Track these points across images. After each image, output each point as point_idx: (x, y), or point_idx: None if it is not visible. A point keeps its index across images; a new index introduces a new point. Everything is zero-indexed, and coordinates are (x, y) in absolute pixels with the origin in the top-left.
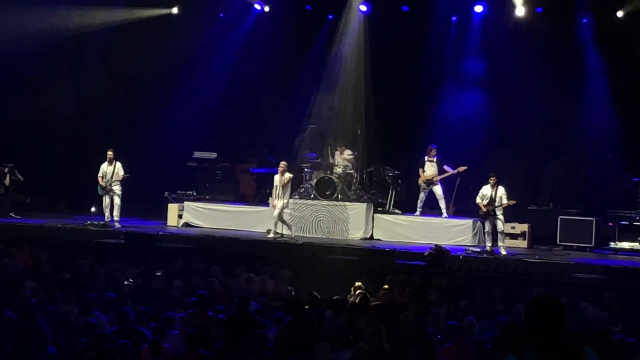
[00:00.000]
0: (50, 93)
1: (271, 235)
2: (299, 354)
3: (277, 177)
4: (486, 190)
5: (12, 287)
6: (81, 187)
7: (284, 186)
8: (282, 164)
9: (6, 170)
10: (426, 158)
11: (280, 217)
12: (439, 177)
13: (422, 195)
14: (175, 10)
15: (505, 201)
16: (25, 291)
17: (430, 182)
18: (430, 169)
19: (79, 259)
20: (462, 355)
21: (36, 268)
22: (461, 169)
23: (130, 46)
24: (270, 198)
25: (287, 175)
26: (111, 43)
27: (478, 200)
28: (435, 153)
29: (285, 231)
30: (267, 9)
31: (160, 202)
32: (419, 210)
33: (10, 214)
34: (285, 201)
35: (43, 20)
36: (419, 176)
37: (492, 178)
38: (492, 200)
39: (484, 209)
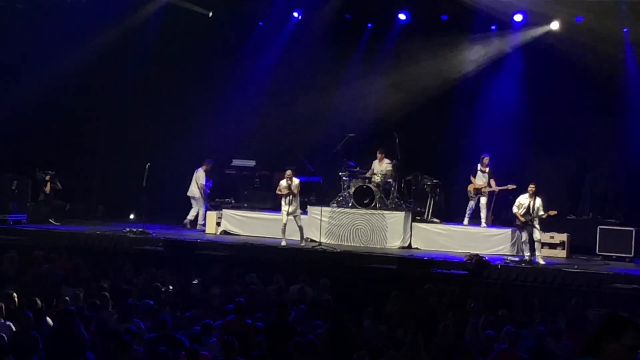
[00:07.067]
0: (90, 101)
1: (303, 243)
2: None
3: (283, 183)
4: (524, 199)
5: (51, 293)
6: (120, 195)
7: (293, 193)
8: (289, 172)
9: (47, 177)
10: (478, 166)
11: (297, 224)
12: (487, 189)
13: (471, 204)
14: (210, 14)
15: (541, 212)
16: (64, 297)
17: (479, 192)
18: (481, 178)
19: (119, 266)
20: None
21: (75, 274)
22: (510, 187)
23: (168, 55)
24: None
25: (296, 181)
26: (150, 51)
27: (515, 209)
28: (488, 162)
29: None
30: (302, 16)
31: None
32: (467, 219)
33: (50, 220)
34: (297, 207)
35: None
36: (469, 184)
37: (532, 187)
38: (529, 209)
39: (521, 219)
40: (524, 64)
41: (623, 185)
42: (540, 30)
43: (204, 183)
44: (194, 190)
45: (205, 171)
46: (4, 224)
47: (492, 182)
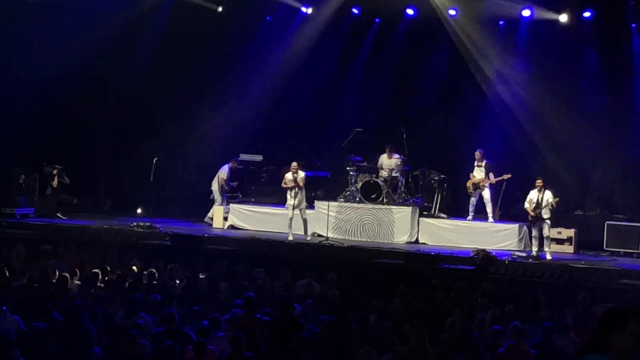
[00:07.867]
0: (97, 95)
1: (309, 237)
2: (343, 357)
3: (289, 176)
4: (533, 194)
5: (58, 287)
6: (127, 189)
7: (298, 185)
8: (294, 164)
9: (55, 172)
10: (475, 162)
11: (302, 218)
12: (486, 182)
13: (472, 200)
14: (220, 8)
15: (551, 200)
16: (71, 292)
17: (477, 187)
18: (478, 173)
19: (126, 261)
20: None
21: (82, 269)
22: (505, 176)
23: (176, 49)
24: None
25: (302, 174)
26: (157, 45)
27: (526, 205)
28: (481, 156)
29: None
30: (310, 10)
31: (206, 204)
32: (471, 214)
33: (57, 214)
34: (302, 200)
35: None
36: (469, 180)
37: (539, 182)
38: (538, 204)
39: (532, 214)
40: (531, 60)
41: (630, 181)
42: (547, 24)
43: (225, 178)
44: (214, 185)
45: (231, 168)
46: (12, 218)
47: (491, 176)
